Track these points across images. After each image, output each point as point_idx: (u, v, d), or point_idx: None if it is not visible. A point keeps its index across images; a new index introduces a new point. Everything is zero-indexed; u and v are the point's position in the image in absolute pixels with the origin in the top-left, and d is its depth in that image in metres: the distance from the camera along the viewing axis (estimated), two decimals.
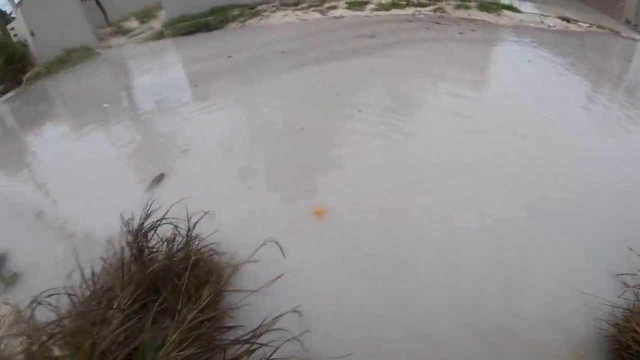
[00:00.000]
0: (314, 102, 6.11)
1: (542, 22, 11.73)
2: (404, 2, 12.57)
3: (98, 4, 24.19)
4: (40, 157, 8.92)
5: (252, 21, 13.48)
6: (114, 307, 2.52)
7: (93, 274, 3.21)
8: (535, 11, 12.88)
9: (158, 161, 5.82)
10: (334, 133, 5.28)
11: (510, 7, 12.52)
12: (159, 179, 5.23)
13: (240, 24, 13.61)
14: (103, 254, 3.71)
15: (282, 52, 8.31)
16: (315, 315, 3.12)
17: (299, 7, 13.82)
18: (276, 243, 3.19)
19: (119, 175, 5.91)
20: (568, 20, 12.06)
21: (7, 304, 2.37)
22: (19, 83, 21.52)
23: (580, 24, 11.90)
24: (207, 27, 14.59)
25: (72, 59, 19.50)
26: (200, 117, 6.74)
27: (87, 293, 2.86)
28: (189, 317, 2.59)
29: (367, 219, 3.95)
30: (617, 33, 11.99)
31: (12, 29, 25.18)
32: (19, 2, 30.82)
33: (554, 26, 11.54)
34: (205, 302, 2.88)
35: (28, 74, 22.07)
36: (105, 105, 9.02)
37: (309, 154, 4.97)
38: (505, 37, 9.80)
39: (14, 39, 24.72)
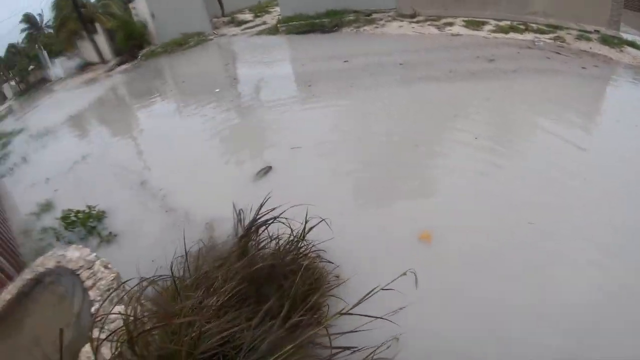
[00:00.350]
0: (427, 120, 5.76)
1: None
2: (522, 27, 11.99)
3: None
4: (148, 128, 9.12)
5: (368, 28, 13.28)
6: (215, 298, 2.45)
7: (195, 256, 3.18)
8: None
9: (265, 153, 5.81)
10: (445, 155, 4.93)
11: (634, 44, 11.54)
12: (266, 171, 5.20)
13: (355, 30, 13.46)
14: (202, 236, 3.70)
15: (400, 63, 8.03)
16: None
17: (416, 19, 13.52)
18: (414, 274, 2.98)
19: (224, 160, 5.95)
20: None
21: (106, 267, 2.38)
22: (135, 58, 23.28)
23: None
24: (321, 29, 14.48)
25: (187, 42, 20.21)
26: (313, 116, 6.66)
27: (187, 275, 2.82)
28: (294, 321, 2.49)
29: (472, 254, 3.57)
30: None
31: (134, 8, 26.81)
32: None
33: None
34: (314, 314, 2.78)
35: (144, 51, 23.53)
36: (217, 90, 9.25)
37: (419, 173, 4.68)
38: (630, 78, 9.01)
39: (135, 18, 26.20)
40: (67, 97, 21.84)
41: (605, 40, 10.90)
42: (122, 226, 4.97)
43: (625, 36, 11.75)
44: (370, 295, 2.66)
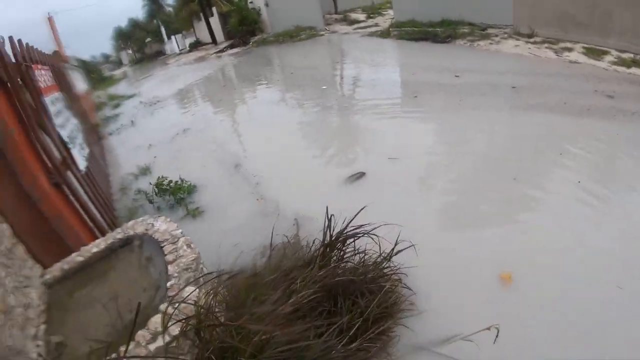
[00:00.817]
0: (530, 152, 5.18)
1: None
2: None
3: None
4: (251, 113, 9.15)
5: (482, 43, 12.61)
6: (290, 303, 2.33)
7: (278, 251, 3.09)
8: None
9: (361, 157, 5.62)
10: (543, 194, 4.39)
11: None
12: (358, 177, 5.01)
13: (468, 43, 12.84)
14: (289, 232, 3.59)
15: (512, 87, 7.51)
16: None
17: (532, 40, 12.73)
18: (497, 330, 2.69)
19: (320, 157, 5.84)
20: None
21: (189, 246, 2.36)
22: (246, 43, 24.07)
23: None
24: (434, 38, 13.96)
25: (299, 34, 20.37)
26: (415, 128, 6.32)
27: (266, 270, 2.74)
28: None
29: (559, 302, 3.14)
30: None
31: None
32: None
33: None
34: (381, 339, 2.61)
35: (256, 38, 24.27)
36: (324, 87, 9.19)
37: (512, 207, 4.24)
38: None
39: (250, 5, 27.03)
40: (178, 71, 23.03)
41: None
42: (210, 203, 4.94)
43: None
44: (450, 341, 2.48)
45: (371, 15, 22.34)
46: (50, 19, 26.32)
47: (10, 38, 3.63)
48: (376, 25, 19.28)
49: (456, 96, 7.20)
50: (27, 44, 4.20)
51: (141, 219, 2.79)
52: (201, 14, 33.46)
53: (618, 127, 5.65)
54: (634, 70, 9.79)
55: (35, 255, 2.57)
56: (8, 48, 3.40)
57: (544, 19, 12.56)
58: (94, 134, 9.04)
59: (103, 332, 2.07)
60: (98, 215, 3.86)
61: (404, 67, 10.93)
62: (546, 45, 11.71)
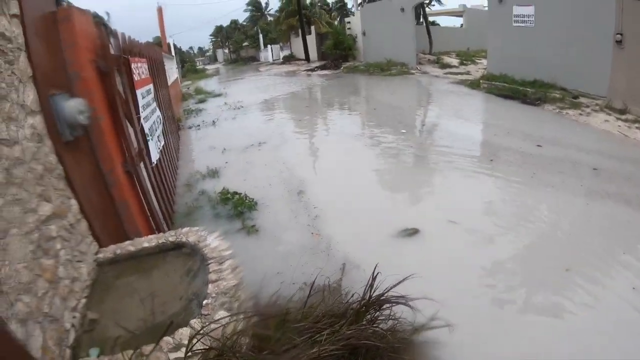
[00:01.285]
0: (593, 245, 4.75)
1: None
2: None
3: (428, 32, 25.49)
4: (326, 139, 9.13)
5: (571, 112, 11.95)
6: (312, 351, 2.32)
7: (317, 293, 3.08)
8: None
9: (421, 211, 5.43)
10: (592, 294, 4.05)
11: None
12: (412, 233, 4.85)
13: (557, 110, 12.24)
14: (333, 275, 3.57)
15: (594, 168, 6.98)
16: None
17: (624, 117, 11.93)
18: None
19: (381, 201, 5.71)
20: None
21: (234, 270, 2.39)
22: (337, 67, 24.81)
23: None
24: (523, 98, 13.43)
25: (390, 69, 20.47)
26: (482, 194, 5.94)
27: (300, 310, 2.73)
28: None
29: None
30: None
31: (349, 22, 28.62)
32: (360, 3, 35.20)
33: None
34: None
35: (347, 64, 24.88)
36: (403, 131, 9.05)
37: (558, 303, 3.96)
38: None
39: (347, 31, 27.69)
40: (268, 81, 23.84)
41: None
42: (267, 224, 4.92)
43: None
44: None
45: (464, 62, 21.97)
46: (159, 9, 28.40)
47: (114, 31, 3.95)
48: (467, 73, 19.00)
49: (530, 168, 6.86)
50: (129, 36, 4.53)
51: (196, 228, 2.89)
52: (299, 30, 34.53)
53: None
54: None
55: (95, 234, 2.71)
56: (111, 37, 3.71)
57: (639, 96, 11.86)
58: (174, 124, 9.44)
59: (134, 323, 2.16)
60: (157, 208, 4.07)
61: (487, 125, 10.58)
62: (637, 125, 11.00)
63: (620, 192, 5.96)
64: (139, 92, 4.07)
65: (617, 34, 11.98)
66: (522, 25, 15.44)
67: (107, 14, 57.33)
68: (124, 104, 3.50)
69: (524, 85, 14.07)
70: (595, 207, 5.46)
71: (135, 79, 4.07)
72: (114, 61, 3.44)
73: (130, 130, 3.56)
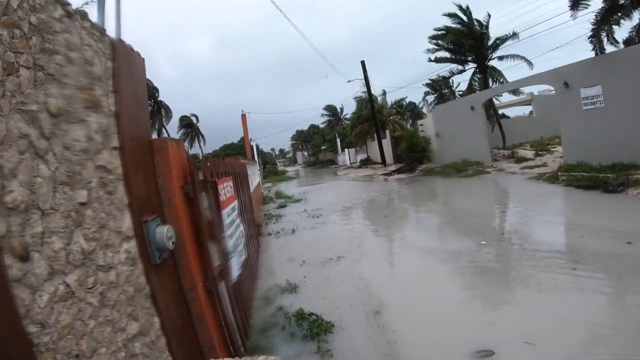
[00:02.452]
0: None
1: None
2: None
3: (500, 126, 25.51)
4: (407, 254, 8.67)
5: None
6: None
7: None
8: None
9: (497, 329, 5.00)
10: None
11: None
12: (488, 354, 4.51)
13: None
14: None
15: None
16: None
17: None
18: None
19: (459, 319, 5.36)
20: None
21: None
22: (413, 170, 25.18)
23: None
24: (605, 186, 12.38)
25: (466, 169, 20.46)
26: (564, 309, 5.18)
27: None
28: None
29: None
30: None
31: (422, 124, 29.59)
32: (431, 104, 36.17)
33: None
34: None
35: (423, 166, 25.29)
36: (483, 242, 8.61)
37: None
38: None
39: (421, 133, 28.59)
40: (347, 187, 24.45)
41: None
42: (342, 349, 4.69)
43: None
44: None
45: (539, 153, 21.30)
46: (243, 117, 31.21)
47: (203, 157, 4.40)
48: (544, 165, 18.54)
49: (618, 271, 6.22)
50: (215, 158, 4.96)
51: (273, 358, 2.95)
52: (374, 134, 35.81)
53: None
54: None
55: (171, 349, 2.74)
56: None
57: None
58: (255, 229, 9.58)
59: None
60: (234, 323, 4.21)
61: (570, 226, 9.64)
62: None
63: None
64: (224, 212, 4.25)
65: None
66: (592, 107, 15.39)
67: (195, 116, 63.27)
68: (210, 226, 3.83)
69: (603, 171, 13.36)
70: None
71: (221, 199, 4.27)
72: (201, 186, 3.69)
73: (214, 248, 3.87)
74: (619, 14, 17.21)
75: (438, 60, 25.92)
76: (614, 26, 17.87)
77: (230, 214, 4.72)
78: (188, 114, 63.89)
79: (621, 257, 6.50)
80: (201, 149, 62.57)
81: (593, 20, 17.43)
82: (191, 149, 60.26)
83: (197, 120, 64.64)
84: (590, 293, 5.42)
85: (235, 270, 4.44)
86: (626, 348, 4.12)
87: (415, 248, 8.89)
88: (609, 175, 12.71)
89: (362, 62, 35.03)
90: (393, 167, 27.83)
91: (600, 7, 17.04)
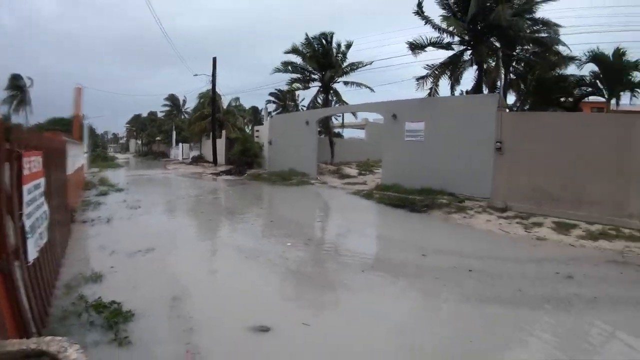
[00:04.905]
0: (469, 353, 4.90)
1: None
2: (614, 232, 10.65)
3: (330, 144, 27.66)
4: (214, 252, 9.07)
5: (457, 216, 12.97)
6: None
7: None
8: None
9: (281, 317, 5.30)
10: None
11: None
12: (263, 330, 4.83)
13: (445, 215, 13.22)
14: None
15: (469, 270, 7.43)
16: None
17: (505, 214, 12.80)
18: None
19: (244, 302, 5.80)
20: None
21: None
22: (242, 174, 25.40)
23: None
24: (412, 206, 14.17)
25: (291, 179, 21.42)
26: (352, 308, 6.04)
27: None
28: None
29: None
30: None
31: (258, 130, 30.73)
32: (270, 113, 37.10)
33: None
34: None
35: (252, 171, 25.72)
36: (289, 243, 9.11)
37: None
38: None
39: (256, 139, 29.53)
40: (174, 181, 23.96)
41: None
42: (141, 336, 4.69)
43: None
44: None
45: (362, 172, 23.82)
46: (78, 89, 27.60)
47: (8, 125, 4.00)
48: (364, 183, 20.39)
49: (411, 278, 6.97)
50: (27, 129, 4.54)
51: (59, 338, 2.87)
52: (211, 133, 35.30)
53: (569, 320, 5.43)
54: (600, 242, 9.88)
55: None
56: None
57: (519, 194, 13.55)
58: (68, 215, 9.11)
59: None
60: (28, 309, 3.91)
61: (375, 238, 11.43)
62: (517, 220, 12.05)
63: (492, 293, 6.31)
64: (26, 187, 4.02)
65: (497, 142, 14.23)
66: (414, 139, 17.59)
67: (30, 79, 54.25)
68: (8, 201, 3.52)
69: (413, 194, 15.40)
70: (465, 313, 5.68)
71: (25, 173, 4.03)
72: (4, 155, 3.45)
73: (10, 225, 3.56)
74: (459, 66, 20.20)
75: (289, 77, 26.81)
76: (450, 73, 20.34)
77: (32, 191, 4.44)
78: (24, 76, 53.89)
79: (421, 266, 7.73)
80: (27, 117, 53.50)
81: (425, 66, 19.97)
82: (16, 115, 51.46)
83: (32, 83, 54.82)
84: (370, 289, 6.57)
85: (32, 253, 4.15)
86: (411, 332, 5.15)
87: (226, 245, 9.43)
88: (417, 197, 14.73)
89: (214, 59, 34.38)
90: (223, 168, 27.90)
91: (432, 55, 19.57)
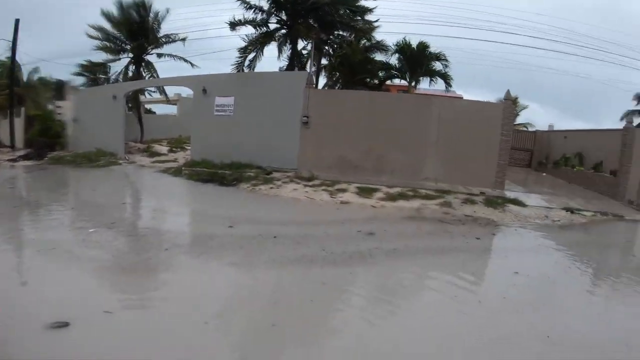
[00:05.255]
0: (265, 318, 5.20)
1: (547, 216, 11.78)
2: (411, 194, 12.61)
3: (139, 121, 26.37)
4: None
5: (263, 188, 13.55)
6: None
7: None
8: (542, 203, 13.21)
9: (79, 308, 5.07)
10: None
11: (515, 202, 12.60)
12: (61, 325, 4.63)
13: (251, 187, 13.67)
14: None
15: (274, 236, 7.92)
16: None
17: (311, 183, 13.87)
18: None
19: (40, 297, 5.41)
20: (572, 211, 12.36)
21: None
22: (42, 157, 22.36)
23: (585, 213, 12.37)
24: (221, 180, 14.65)
25: (98, 159, 20.38)
26: (157, 285, 6.27)
27: None
28: None
29: None
30: (621, 217, 12.61)
31: (60, 107, 27.35)
32: (80, 86, 33.44)
33: (558, 220, 11.63)
34: None
35: (54, 154, 23.00)
36: (92, 230, 8.68)
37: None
38: (507, 243, 9.52)
39: (58, 117, 26.44)
40: None
41: (490, 202, 12.21)
42: None
43: (508, 194, 13.40)
44: None
45: (174, 149, 23.81)
46: None
47: None
48: (175, 160, 20.21)
49: (217, 251, 7.45)
50: None
51: None
52: (9, 111, 31.10)
53: (368, 272, 6.61)
54: (399, 203, 11.94)
55: None
56: None
57: (324, 164, 15.20)
58: None
59: None
60: None
61: (181, 214, 11.61)
62: (323, 187, 13.37)
63: (302, 254, 7.02)
64: None
65: (304, 116, 15.74)
66: (223, 114, 18.19)
67: None
68: None
69: (223, 168, 16.03)
70: (272, 277, 6.35)
71: None
72: None
73: None
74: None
75: (99, 48, 24.30)
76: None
77: None
78: None
79: (229, 236, 8.13)
80: None
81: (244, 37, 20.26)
82: None
83: None
84: (174, 267, 6.78)
85: None
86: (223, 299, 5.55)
87: (12, 240, 8.60)
88: (227, 171, 15.48)
89: (17, 21, 29.26)
90: (22, 152, 24.24)
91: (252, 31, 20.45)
